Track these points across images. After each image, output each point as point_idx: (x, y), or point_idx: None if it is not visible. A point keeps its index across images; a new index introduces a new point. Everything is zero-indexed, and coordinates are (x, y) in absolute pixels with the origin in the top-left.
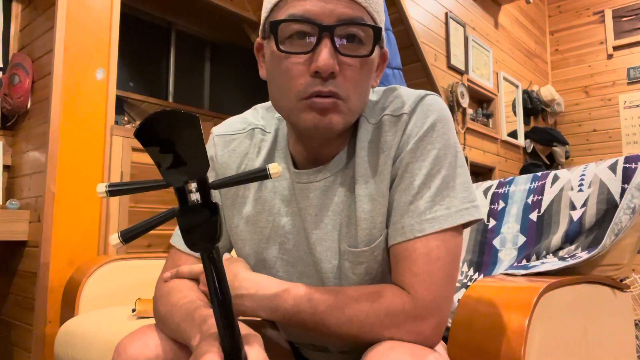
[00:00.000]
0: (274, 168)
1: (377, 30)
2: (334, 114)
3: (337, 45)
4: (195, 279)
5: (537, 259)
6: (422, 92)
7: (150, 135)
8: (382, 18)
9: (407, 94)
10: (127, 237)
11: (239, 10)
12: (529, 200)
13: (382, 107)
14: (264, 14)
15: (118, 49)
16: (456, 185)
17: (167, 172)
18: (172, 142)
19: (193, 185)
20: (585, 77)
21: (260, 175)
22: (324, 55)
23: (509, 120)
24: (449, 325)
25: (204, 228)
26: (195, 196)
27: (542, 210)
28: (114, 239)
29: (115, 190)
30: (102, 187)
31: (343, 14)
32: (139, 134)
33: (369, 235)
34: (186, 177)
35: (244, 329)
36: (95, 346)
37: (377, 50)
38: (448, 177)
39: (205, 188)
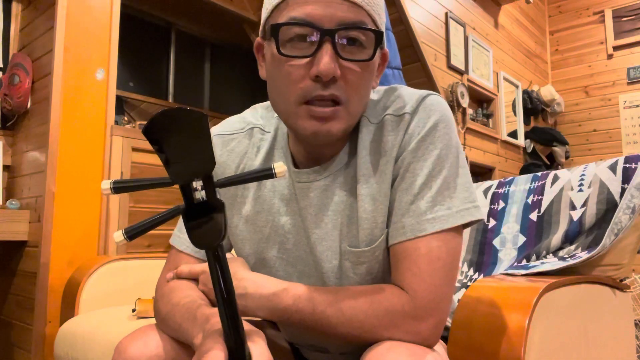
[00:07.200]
0: (279, 167)
1: (378, 34)
2: (333, 122)
3: (338, 49)
4: (194, 279)
5: (537, 259)
6: (424, 92)
7: (157, 132)
8: (383, 20)
9: (409, 94)
10: (132, 234)
11: (239, 10)
12: (529, 200)
13: (384, 107)
14: (264, 14)
15: (118, 49)
16: (457, 186)
17: (172, 169)
18: (179, 139)
19: (198, 184)
20: (585, 77)
21: (266, 174)
22: (325, 59)
23: (509, 120)
24: (449, 325)
25: (209, 226)
26: (200, 194)
27: (542, 210)
28: (118, 235)
29: (120, 187)
30: (106, 184)
31: (344, 18)
32: (146, 131)
33: (370, 235)
34: (192, 175)
35: (247, 326)
36: (95, 346)
37: (378, 52)
38: (449, 177)
39: (210, 186)
